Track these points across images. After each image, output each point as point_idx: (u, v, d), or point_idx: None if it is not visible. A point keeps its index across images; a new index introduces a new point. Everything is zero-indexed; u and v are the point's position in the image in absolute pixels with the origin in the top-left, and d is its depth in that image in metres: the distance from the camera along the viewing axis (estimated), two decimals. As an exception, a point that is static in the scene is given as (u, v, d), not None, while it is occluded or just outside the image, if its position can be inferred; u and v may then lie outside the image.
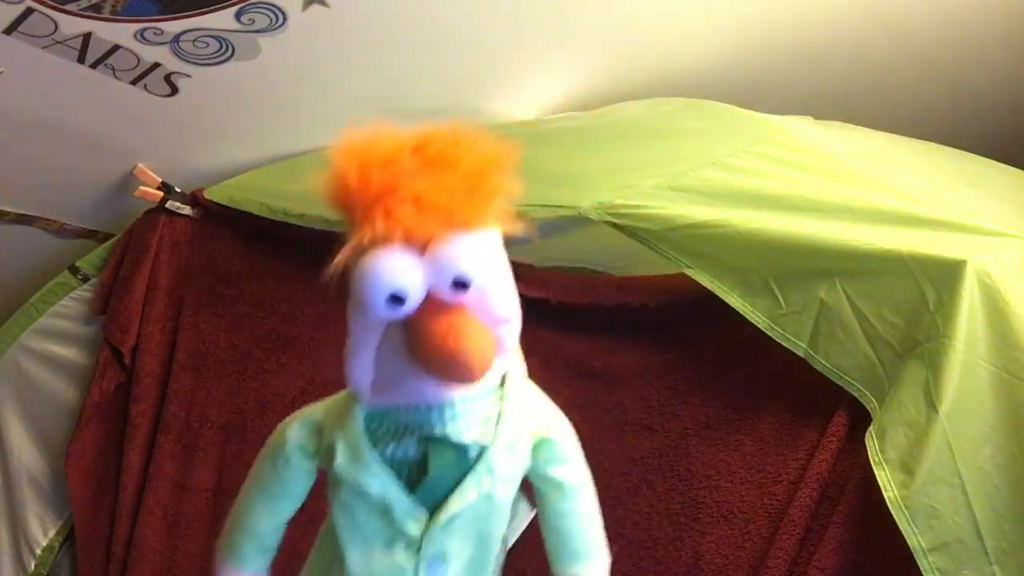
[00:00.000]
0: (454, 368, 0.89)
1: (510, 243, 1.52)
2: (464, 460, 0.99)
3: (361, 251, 0.91)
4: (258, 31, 1.50)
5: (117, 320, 1.82)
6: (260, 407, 1.75)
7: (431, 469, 0.99)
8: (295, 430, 1.10)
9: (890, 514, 1.07)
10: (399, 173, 0.89)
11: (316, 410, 1.12)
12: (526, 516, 1.12)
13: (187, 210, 1.86)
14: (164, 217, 1.86)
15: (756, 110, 1.43)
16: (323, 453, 1.06)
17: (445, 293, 0.90)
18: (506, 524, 1.06)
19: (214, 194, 1.82)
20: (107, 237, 1.99)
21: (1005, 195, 1.43)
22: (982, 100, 2.13)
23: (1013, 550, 1.05)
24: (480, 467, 0.99)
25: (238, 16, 1.45)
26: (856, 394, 1.19)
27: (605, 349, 1.52)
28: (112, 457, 1.81)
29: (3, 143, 1.73)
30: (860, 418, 1.20)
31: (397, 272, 0.89)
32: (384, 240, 0.89)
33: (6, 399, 1.94)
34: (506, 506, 1.04)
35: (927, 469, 1.06)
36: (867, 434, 1.14)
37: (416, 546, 1.00)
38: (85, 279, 1.92)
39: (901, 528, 1.07)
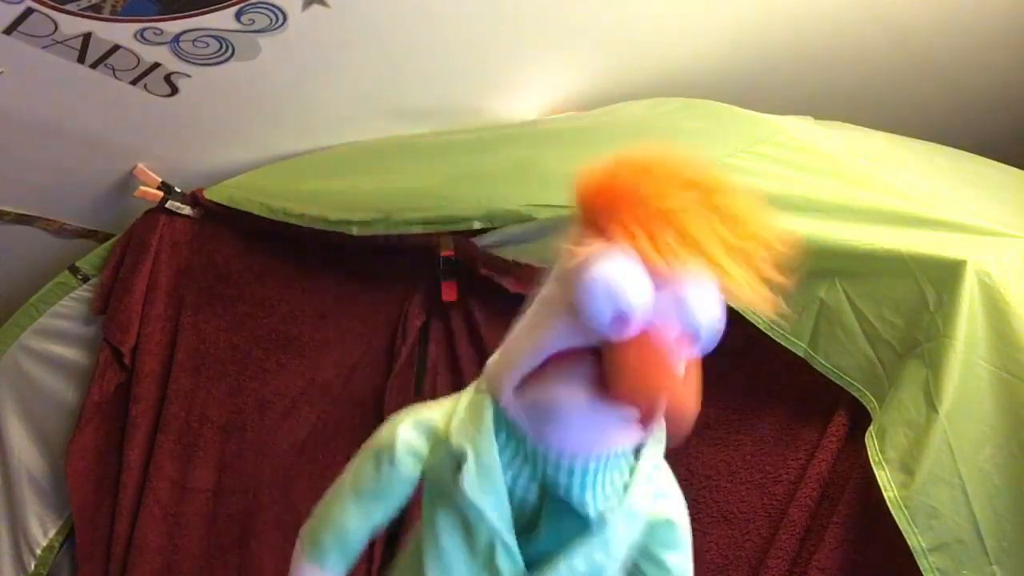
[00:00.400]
0: (646, 399, 0.83)
1: (509, 239, 1.52)
2: (580, 524, 0.91)
3: (598, 255, 0.83)
4: (258, 31, 1.49)
5: (117, 320, 1.82)
6: (260, 407, 1.75)
7: (542, 527, 0.92)
8: (409, 430, 0.97)
9: (890, 514, 1.07)
10: (680, 199, 0.84)
11: (431, 414, 1.00)
12: None
13: (187, 210, 1.86)
14: (164, 217, 1.86)
15: (756, 110, 1.43)
16: (440, 461, 0.95)
17: (670, 333, 0.84)
18: None
19: (214, 194, 1.82)
20: (107, 237, 1.99)
21: (1005, 195, 1.43)
22: (982, 100, 2.13)
23: (1013, 550, 1.05)
24: (596, 539, 0.91)
25: (238, 16, 1.45)
26: (856, 394, 1.19)
27: (605, 349, 1.52)
28: (112, 457, 1.81)
29: (3, 143, 1.73)
30: (860, 418, 1.20)
31: (641, 291, 0.82)
32: (640, 255, 0.82)
33: (6, 399, 1.94)
34: None
35: (927, 469, 1.06)
36: (867, 434, 1.14)
37: None
38: (85, 279, 1.92)
39: (901, 528, 1.07)
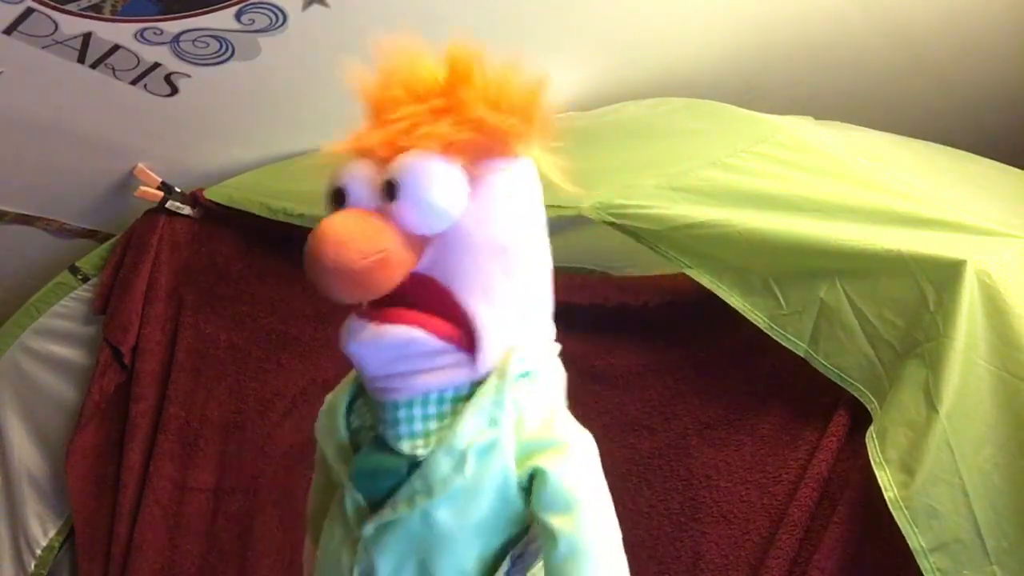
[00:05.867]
0: (311, 266, 0.78)
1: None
2: (400, 468, 0.85)
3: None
4: (258, 31, 1.49)
5: (117, 320, 1.82)
6: (260, 407, 1.75)
7: (354, 462, 0.88)
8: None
9: (890, 514, 1.07)
10: (414, 99, 0.86)
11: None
12: None
13: (187, 210, 1.86)
14: (164, 217, 1.86)
15: (756, 110, 1.43)
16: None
17: (379, 200, 0.82)
18: (470, 566, 0.85)
19: (214, 194, 1.82)
20: (107, 237, 1.99)
21: (1005, 195, 1.43)
22: (981, 100, 2.13)
23: (1013, 550, 1.05)
24: (416, 479, 0.83)
25: (238, 16, 1.45)
26: (856, 394, 1.19)
27: (605, 349, 1.52)
28: (112, 457, 1.81)
29: (3, 143, 1.73)
30: (860, 418, 1.20)
31: (343, 170, 0.85)
32: (350, 151, 0.86)
33: (6, 399, 1.94)
34: (458, 541, 0.84)
35: (927, 469, 1.06)
36: (867, 434, 1.14)
37: (354, 548, 0.86)
38: (85, 279, 1.92)
39: (901, 528, 1.07)
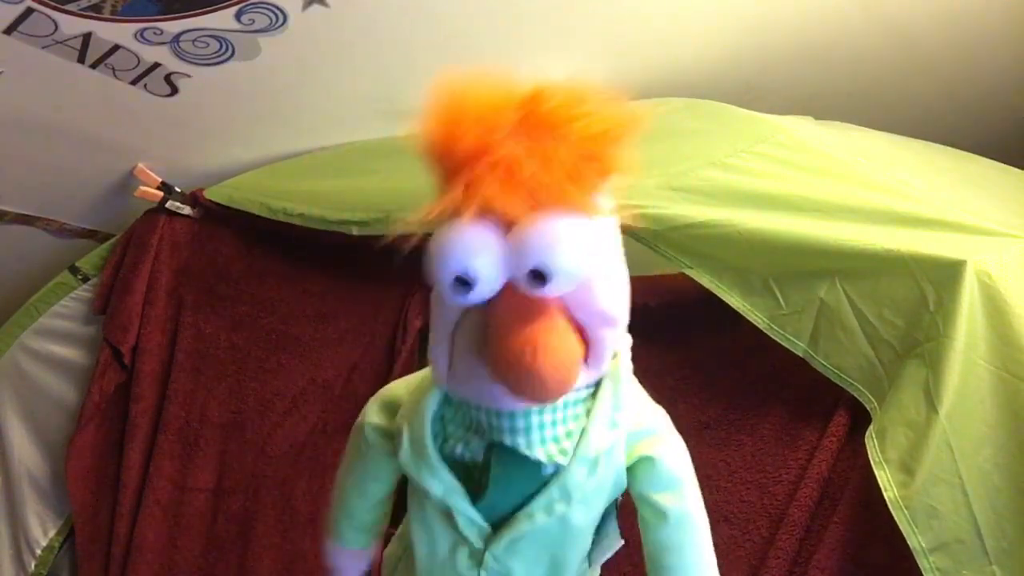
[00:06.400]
0: (528, 388, 0.78)
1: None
2: (535, 476, 0.90)
3: (441, 219, 0.79)
4: (258, 31, 1.49)
5: (117, 320, 1.82)
6: (260, 407, 1.75)
7: (491, 481, 0.90)
8: (373, 410, 1.02)
9: (890, 514, 1.08)
10: (495, 133, 0.77)
11: (399, 387, 1.02)
12: (614, 543, 1.00)
13: (187, 210, 1.86)
14: (164, 217, 1.86)
15: (756, 110, 1.43)
16: (396, 437, 0.97)
17: (524, 285, 0.78)
18: (587, 547, 0.97)
19: (214, 194, 1.82)
20: (107, 237, 1.99)
21: (1005, 195, 1.43)
22: (981, 100, 2.13)
23: (1013, 550, 1.05)
24: (553, 489, 0.89)
25: (238, 16, 1.45)
26: (856, 394, 1.20)
27: (605, 349, 1.52)
28: (112, 457, 1.81)
29: (3, 143, 1.73)
30: (860, 418, 1.20)
31: (467, 250, 0.78)
32: (462, 212, 0.77)
33: (6, 399, 1.94)
34: (586, 530, 0.95)
35: (927, 469, 1.06)
36: (867, 434, 1.14)
37: (479, 558, 0.92)
38: (85, 279, 1.92)
39: (901, 528, 1.07)
